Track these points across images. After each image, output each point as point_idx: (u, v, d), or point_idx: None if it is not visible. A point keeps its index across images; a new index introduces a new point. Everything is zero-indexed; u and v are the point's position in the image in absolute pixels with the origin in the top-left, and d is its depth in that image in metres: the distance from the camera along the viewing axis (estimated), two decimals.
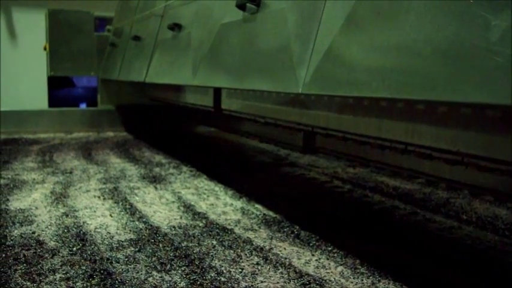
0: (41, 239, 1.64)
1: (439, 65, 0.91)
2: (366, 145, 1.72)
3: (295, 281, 1.34)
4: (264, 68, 1.60)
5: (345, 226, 1.88)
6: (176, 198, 2.23)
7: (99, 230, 1.74)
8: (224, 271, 1.39)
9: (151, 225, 1.81)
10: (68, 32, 4.47)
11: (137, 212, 1.97)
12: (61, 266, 1.41)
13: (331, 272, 1.41)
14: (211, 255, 1.52)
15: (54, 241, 1.62)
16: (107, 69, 4.24)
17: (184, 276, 1.36)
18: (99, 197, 2.20)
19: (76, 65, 4.54)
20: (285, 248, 1.60)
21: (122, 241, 1.63)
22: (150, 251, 1.54)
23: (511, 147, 1.13)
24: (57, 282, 1.30)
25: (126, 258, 1.48)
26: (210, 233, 1.74)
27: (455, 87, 0.86)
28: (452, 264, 1.50)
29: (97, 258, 1.47)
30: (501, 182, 1.84)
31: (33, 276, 1.33)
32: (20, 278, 1.32)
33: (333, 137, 1.91)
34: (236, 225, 1.83)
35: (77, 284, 1.29)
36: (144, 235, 1.69)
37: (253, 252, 1.55)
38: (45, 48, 4.52)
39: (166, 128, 4.76)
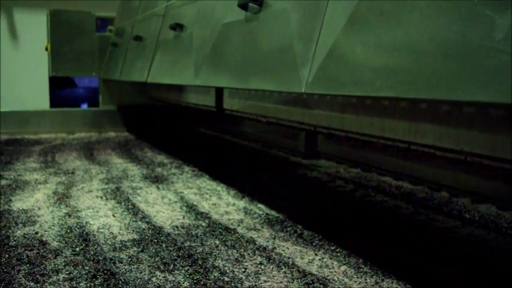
0: (44, 239, 1.64)
1: (442, 64, 0.90)
2: (368, 149, 1.72)
3: (299, 280, 1.33)
4: (266, 67, 1.59)
5: (348, 226, 1.88)
6: (179, 198, 2.23)
7: (102, 230, 1.74)
8: (227, 271, 1.39)
9: (154, 225, 1.81)
10: (70, 32, 4.47)
11: (140, 212, 1.97)
12: (64, 266, 1.41)
13: (335, 271, 1.41)
14: (215, 255, 1.52)
15: (57, 241, 1.62)
16: (108, 69, 4.25)
17: (188, 276, 1.36)
18: (101, 197, 2.20)
19: (78, 65, 4.55)
20: (288, 248, 1.60)
21: (125, 241, 1.63)
22: (153, 251, 1.55)
23: None
24: (60, 282, 1.30)
25: (129, 258, 1.48)
26: (213, 232, 1.74)
27: (459, 86, 0.86)
28: (455, 263, 1.50)
29: (100, 258, 1.47)
30: (504, 189, 1.85)
31: (37, 276, 1.34)
32: (23, 279, 1.32)
33: (335, 136, 1.91)
34: (239, 225, 1.83)
35: (81, 284, 1.29)
36: (147, 235, 1.69)
37: (256, 252, 1.55)
38: (46, 49, 4.52)
39: (168, 128, 4.76)
